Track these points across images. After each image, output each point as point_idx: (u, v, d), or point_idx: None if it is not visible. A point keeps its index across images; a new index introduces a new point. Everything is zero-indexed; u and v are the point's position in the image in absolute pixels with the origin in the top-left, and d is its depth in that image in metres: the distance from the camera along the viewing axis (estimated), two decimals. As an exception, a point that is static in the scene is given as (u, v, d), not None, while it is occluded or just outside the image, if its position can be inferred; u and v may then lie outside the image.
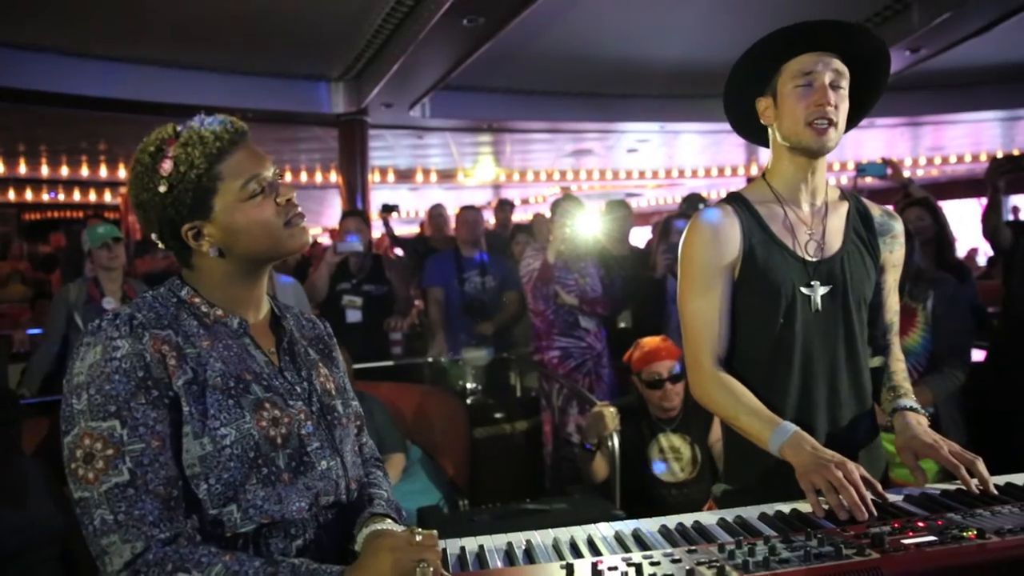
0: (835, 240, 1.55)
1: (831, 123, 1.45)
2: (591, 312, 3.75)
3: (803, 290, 1.51)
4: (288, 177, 10.37)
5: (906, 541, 1.07)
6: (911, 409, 1.53)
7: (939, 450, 1.41)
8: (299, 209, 1.16)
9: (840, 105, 1.46)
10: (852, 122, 1.56)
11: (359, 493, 1.23)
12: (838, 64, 1.46)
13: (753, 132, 1.62)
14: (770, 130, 1.56)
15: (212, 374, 1.07)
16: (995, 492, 1.32)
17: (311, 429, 1.14)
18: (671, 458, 2.71)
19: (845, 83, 1.47)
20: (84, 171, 9.82)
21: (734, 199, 1.58)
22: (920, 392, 2.38)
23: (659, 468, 2.69)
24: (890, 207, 1.66)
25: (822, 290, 1.52)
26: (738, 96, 1.58)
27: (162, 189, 1.09)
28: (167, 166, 1.09)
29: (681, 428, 2.71)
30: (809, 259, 1.52)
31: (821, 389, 1.52)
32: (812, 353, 1.51)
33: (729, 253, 1.52)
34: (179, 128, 1.12)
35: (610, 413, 2.76)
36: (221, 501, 1.04)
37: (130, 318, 1.06)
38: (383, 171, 10.50)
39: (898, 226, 1.63)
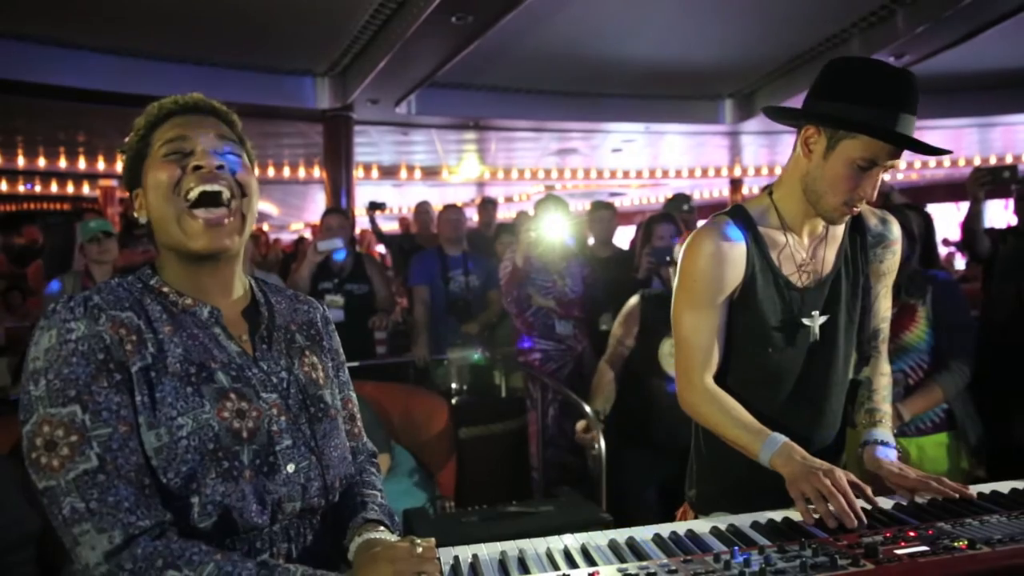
0: (827, 265, 1.55)
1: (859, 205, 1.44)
2: (566, 316, 3.73)
3: (804, 321, 1.52)
4: (271, 172, 10.18)
5: (899, 551, 1.08)
6: (882, 443, 1.55)
7: (907, 475, 1.44)
8: (209, 187, 1.04)
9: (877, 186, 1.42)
10: None
11: (348, 494, 1.17)
12: (897, 157, 1.40)
13: (781, 113, 1.54)
14: (799, 155, 1.47)
15: (172, 360, 1.01)
16: (973, 496, 1.35)
17: (283, 425, 1.07)
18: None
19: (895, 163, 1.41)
20: (62, 163, 9.67)
21: (741, 219, 1.53)
22: (931, 392, 2.43)
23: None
24: (886, 213, 1.63)
25: (821, 319, 1.53)
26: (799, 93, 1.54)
27: (121, 160, 1.13)
28: (127, 139, 1.12)
29: None
30: (805, 289, 1.53)
31: (808, 409, 1.57)
32: (802, 377, 1.55)
33: (733, 278, 1.50)
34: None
35: (587, 438, 2.81)
36: (183, 494, 0.97)
37: (85, 300, 1.00)
38: (367, 167, 10.45)
39: (892, 234, 1.61)
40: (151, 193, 1.07)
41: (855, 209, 1.45)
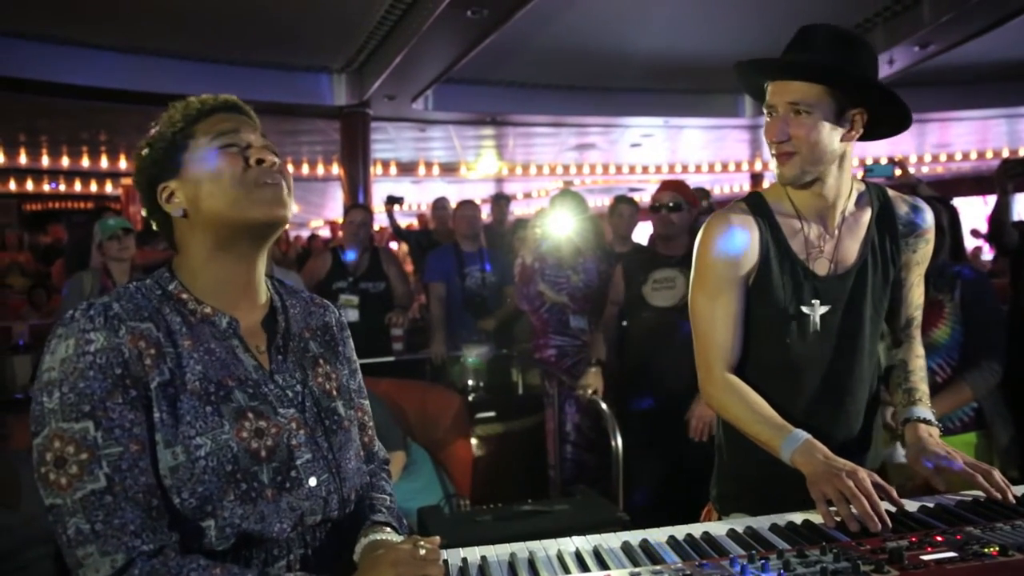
0: (851, 255, 1.51)
1: (790, 154, 1.42)
2: (580, 311, 3.69)
3: (804, 309, 1.49)
4: (290, 169, 10.44)
5: (925, 557, 1.03)
6: (924, 420, 1.49)
7: (953, 461, 1.38)
8: (273, 178, 1.05)
9: (804, 132, 1.39)
10: (885, 131, 1.50)
11: (360, 501, 1.15)
12: (797, 89, 1.39)
13: None
14: None
15: (191, 377, 0.99)
16: (1013, 501, 1.29)
17: (303, 439, 1.05)
18: (663, 287, 3.03)
19: (813, 103, 1.38)
20: (85, 162, 9.80)
21: (756, 205, 1.52)
22: (960, 390, 2.35)
23: None
24: (918, 200, 1.57)
25: (821, 310, 1.49)
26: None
27: (144, 152, 1.09)
28: (152, 131, 1.10)
29: (680, 264, 2.95)
30: (819, 277, 1.49)
31: (829, 403, 1.53)
32: (816, 369, 1.51)
33: (746, 263, 1.49)
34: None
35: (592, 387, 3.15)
36: (197, 516, 0.96)
37: (105, 309, 0.97)
38: (385, 164, 10.47)
39: (925, 222, 1.55)
40: (208, 183, 1.03)
41: (783, 160, 1.44)
